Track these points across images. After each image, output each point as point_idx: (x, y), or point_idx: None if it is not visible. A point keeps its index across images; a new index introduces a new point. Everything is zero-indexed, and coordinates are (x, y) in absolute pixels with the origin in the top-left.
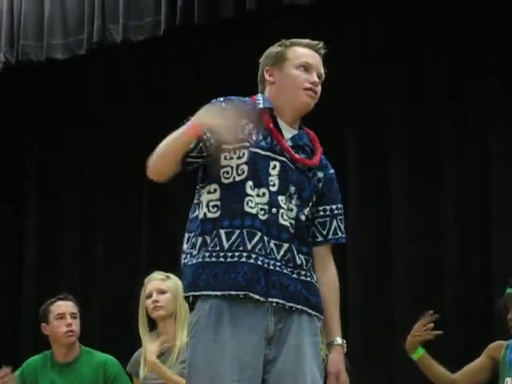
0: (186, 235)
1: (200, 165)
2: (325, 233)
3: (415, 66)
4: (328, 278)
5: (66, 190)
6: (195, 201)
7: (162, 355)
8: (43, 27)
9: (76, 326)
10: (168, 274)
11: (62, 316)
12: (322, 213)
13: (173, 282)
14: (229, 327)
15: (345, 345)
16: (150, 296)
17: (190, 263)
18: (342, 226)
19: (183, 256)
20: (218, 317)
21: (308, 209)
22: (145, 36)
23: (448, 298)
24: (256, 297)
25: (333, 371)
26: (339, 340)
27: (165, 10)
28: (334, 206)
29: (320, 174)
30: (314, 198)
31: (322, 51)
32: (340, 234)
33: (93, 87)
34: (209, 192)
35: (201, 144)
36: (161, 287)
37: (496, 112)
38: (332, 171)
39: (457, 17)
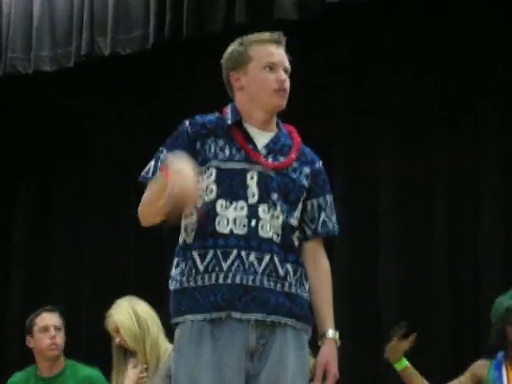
0: (175, 259)
1: None
2: (313, 226)
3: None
4: (319, 270)
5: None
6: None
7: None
8: (31, 39)
9: (60, 338)
10: (112, 308)
11: (45, 328)
12: (309, 207)
13: (115, 318)
14: (210, 342)
15: (338, 338)
16: (113, 336)
17: (172, 288)
18: (333, 217)
19: (170, 281)
20: (200, 333)
21: (298, 210)
22: (133, 49)
23: (435, 313)
24: (237, 315)
25: (321, 362)
26: (331, 332)
27: (153, 24)
28: (320, 199)
29: (306, 170)
30: (303, 197)
31: (284, 42)
32: (330, 227)
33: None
34: (185, 217)
35: None
36: (112, 328)
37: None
38: (319, 164)
39: (450, 53)
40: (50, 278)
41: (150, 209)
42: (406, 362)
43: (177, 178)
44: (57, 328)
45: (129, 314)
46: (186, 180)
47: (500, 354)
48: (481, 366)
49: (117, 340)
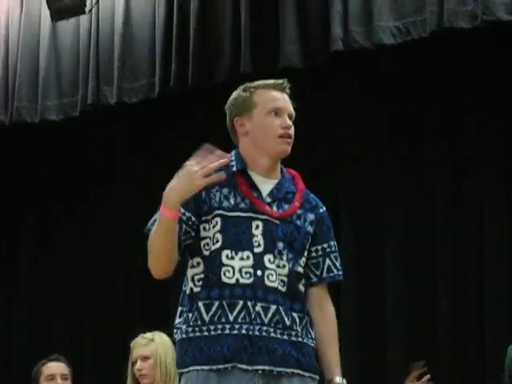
0: (179, 308)
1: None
2: (318, 273)
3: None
4: (325, 316)
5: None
6: (186, 274)
7: None
8: (38, 88)
9: None
10: (152, 336)
11: (52, 377)
12: (314, 253)
13: (155, 345)
14: None
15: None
16: (134, 363)
17: (178, 338)
18: (338, 263)
19: (174, 331)
20: (206, 382)
21: (304, 257)
22: (139, 98)
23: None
24: (243, 367)
25: None
26: (338, 379)
27: (159, 73)
28: (325, 245)
29: (311, 216)
30: (307, 244)
31: (288, 89)
32: (335, 272)
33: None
34: (192, 266)
35: (184, 226)
36: (144, 354)
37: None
38: (323, 210)
39: (453, 105)
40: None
41: (160, 248)
42: None
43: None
44: (64, 377)
45: (171, 348)
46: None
47: None
48: None
49: (139, 368)
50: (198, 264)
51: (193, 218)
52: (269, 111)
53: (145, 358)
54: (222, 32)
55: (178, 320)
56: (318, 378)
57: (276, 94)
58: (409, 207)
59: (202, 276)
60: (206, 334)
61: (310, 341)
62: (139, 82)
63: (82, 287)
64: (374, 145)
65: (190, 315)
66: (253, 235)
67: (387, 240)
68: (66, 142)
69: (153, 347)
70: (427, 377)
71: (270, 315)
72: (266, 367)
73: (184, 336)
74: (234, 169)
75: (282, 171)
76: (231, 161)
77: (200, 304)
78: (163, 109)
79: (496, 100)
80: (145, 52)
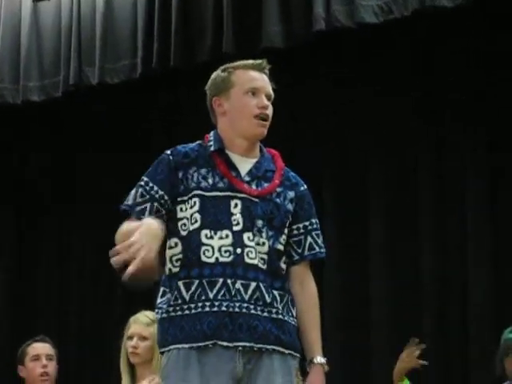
0: (161, 289)
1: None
2: (300, 250)
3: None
4: (306, 294)
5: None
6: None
7: None
8: (19, 69)
9: (52, 368)
10: (154, 317)
11: (37, 358)
12: (295, 231)
13: (156, 329)
14: (197, 368)
15: (325, 364)
16: (130, 338)
17: (159, 317)
18: (319, 241)
19: (156, 311)
20: (187, 359)
21: (284, 235)
22: (121, 78)
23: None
24: (224, 344)
25: None
26: (319, 359)
27: (141, 53)
28: (306, 223)
29: (291, 194)
30: (289, 222)
31: (268, 69)
32: (317, 249)
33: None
34: (170, 247)
35: (155, 204)
36: (143, 334)
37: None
38: (303, 188)
39: (435, 84)
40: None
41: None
42: (407, 382)
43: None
44: (48, 357)
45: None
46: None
47: None
48: None
49: (135, 346)
50: (176, 244)
51: (165, 197)
52: (246, 91)
53: (143, 338)
54: (204, 12)
55: (159, 300)
56: (298, 355)
57: (254, 74)
58: (393, 186)
59: (180, 256)
60: (186, 312)
61: (291, 319)
62: (121, 62)
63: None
64: (357, 123)
65: (170, 295)
66: (231, 214)
67: (372, 218)
68: (48, 122)
69: (153, 330)
70: (417, 353)
71: (250, 292)
72: (247, 344)
73: (165, 315)
74: (212, 148)
75: (261, 150)
76: (209, 141)
77: (180, 283)
78: (145, 89)
79: (479, 78)
80: (127, 32)
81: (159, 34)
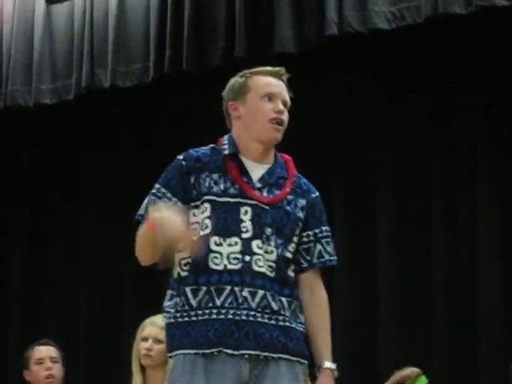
0: (168, 292)
1: None
2: (309, 258)
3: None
4: (316, 301)
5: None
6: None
7: None
8: (32, 72)
9: (57, 370)
10: (156, 318)
11: (41, 361)
12: (305, 239)
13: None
14: (203, 374)
15: (335, 369)
16: (145, 340)
17: (166, 322)
18: (330, 248)
19: (164, 314)
20: (193, 365)
21: (294, 243)
22: (133, 82)
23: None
24: (229, 352)
25: None
26: (327, 364)
27: (153, 57)
28: (317, 230)
29: (302, 202)
30: (299, 230)
31: (285, 77)
32: (327, 257)
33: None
34: (179, 250)
35: None
36: (158, 337)
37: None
38: (315, 195)
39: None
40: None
41: (143, 254)
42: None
43: (161, 230)
44: (53, 360)
45: None
46: (171, 229)
47: None
48: None
49: (149, 348)
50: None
51: (178, 203)
52: (262, 96)
53: (158, 341)
54: (217, 16)
55: (167, 303)
56: (306, 362)
57: (271, 79)
58: (403, 190)
59: (189, 260)
60: (193, 318)
61: (299, 325)
62: (133, 65)
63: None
64: (367, 127)
65: (178, 300)
66: (241, 221)
67: (380, 222)
68: (60, 125)
69: (158, 328)
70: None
71: (257, 300)
72: (252, 352)
73: (172, 320)
74: (226, 152)
75: (275, 156)
76: (223, 145)
77: (187, 289)
78: (157, 93)
79: (491, 83)
80: (139, 35)
81: (172, 38)
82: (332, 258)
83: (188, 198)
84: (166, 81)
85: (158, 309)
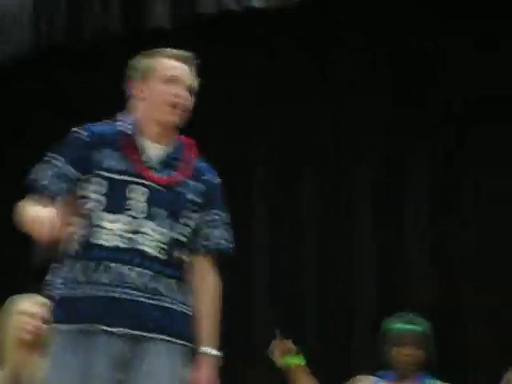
0: (55, 265)
1: None
2: (204, 243)
3: None
4: (206, 286)
5: None
6: None
7: None
8: None
9: None
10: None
11: None
12: (200, 223)
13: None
14: (79, 351)
15: (216, 356)
16: (23, 314)
17: (50, 295)
18: (225, 234)
19: (47, 286)
20: (70, 341)
21: (188, 227)
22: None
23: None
24: (103, 328)
25: (190, 378)
26: (204, 349)
27: (27, 33)
28: (212, 215)
29: (199, 185)
30: (194, 214)
31: (192, 62)
32: (221, 242)
33: None
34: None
35: (70, 185)
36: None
37: None
38: (213, 180)
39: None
40: None
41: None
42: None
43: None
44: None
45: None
46: (48, 231)
47: (386, 374)
48: (365, 381)
49: (33, 327)
50: (76, 223)
51: (79, 177)
52: (165, 79)
53: (35, 316)
54: None
55: (52, 276)
56: (191, 345)
57: (176, 63)
58: None
59: (80, 236)
60: (75, 292)
61: (185, 307)
62: (7, 43)
63: None
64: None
65: (65, 274)
66: (135, 200)
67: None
68: None
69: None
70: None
71: (143, 280)
72: (132, 331)
73: (57, 292)
74: (125, 131)
75: (177, 139)
76: (122, 122)
77: (76, 264)
78: (30, 69)
79: None
80: (15, 10)
81: (46, 14)
82: (226, 243)
83: (87, 172)
84: (40, 57)
85: None
